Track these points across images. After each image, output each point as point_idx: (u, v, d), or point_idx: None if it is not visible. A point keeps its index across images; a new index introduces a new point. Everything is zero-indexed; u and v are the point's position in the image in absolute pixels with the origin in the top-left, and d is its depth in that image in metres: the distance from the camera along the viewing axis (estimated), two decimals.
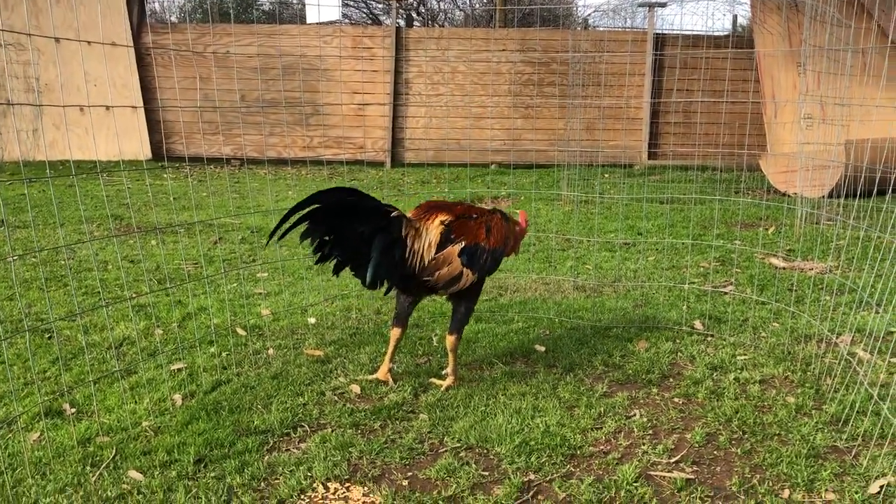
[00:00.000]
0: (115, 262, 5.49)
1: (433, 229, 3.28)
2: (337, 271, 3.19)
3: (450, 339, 3.39)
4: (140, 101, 10.91)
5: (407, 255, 3.20)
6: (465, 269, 3.25)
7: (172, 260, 5.65)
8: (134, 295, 4.68)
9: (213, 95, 11.00)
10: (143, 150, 11.01)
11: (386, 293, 3.31)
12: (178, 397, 3.27)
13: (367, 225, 3.12)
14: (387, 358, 3.48)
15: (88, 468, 2.68)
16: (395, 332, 3.45)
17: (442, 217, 3.32)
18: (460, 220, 3.34)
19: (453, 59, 11.58)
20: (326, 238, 3.10)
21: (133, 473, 2.64)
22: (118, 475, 2.63)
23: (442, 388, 3.38)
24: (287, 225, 3.02)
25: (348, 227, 3.10)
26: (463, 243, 3.27)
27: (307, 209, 3.03)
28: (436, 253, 3.24)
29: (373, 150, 11.76)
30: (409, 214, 3.35)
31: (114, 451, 2.79)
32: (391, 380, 3.45)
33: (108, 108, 10.01)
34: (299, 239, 3.07)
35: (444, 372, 3.51)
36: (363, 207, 3.13)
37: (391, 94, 11.58)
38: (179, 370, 3.55)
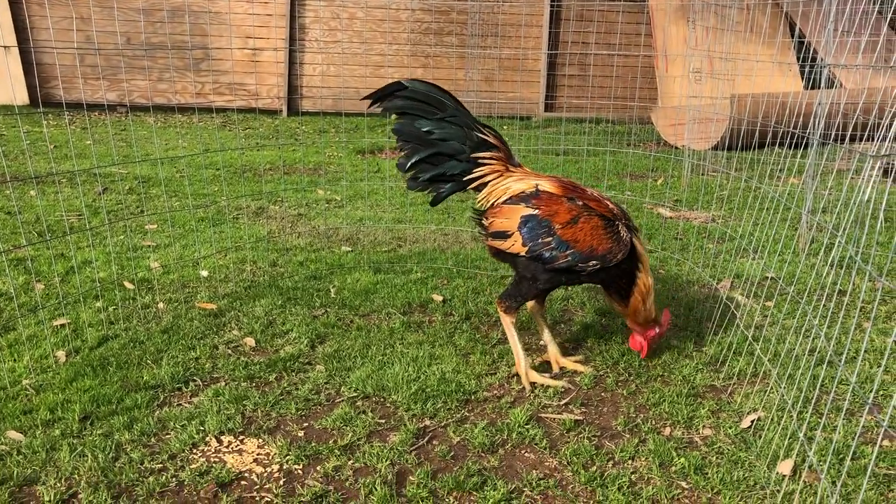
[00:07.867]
0: None
1: (517, 182, 3.05)
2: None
3: (498, 310, 3.13)
4: (13, 42, 10.16)
5: (467, 178, 3.13)
6: (516, 233, 2.95)
7: (54, 211, 5.36)
8: (11, 248, 4.42)
9: (95, 38, 10.36)
10: (17, 95, 10.29)
11: (432, 203, 3.21)
12: (61, 354, 3.13)
13: (441, 130, 3.11)
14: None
15: None
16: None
17: (544, 183, 3.01)
18: (558, 198, 2.95)
19: (351, 5, 11.30)
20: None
21: (12, 434, 2.53)
22: None
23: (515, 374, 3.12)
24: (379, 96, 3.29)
25: (424, 118, 3.15)
26: (534, 210, 2.93)
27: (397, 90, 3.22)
28: (504, 202, 3.03)
29: (267, 97, 11.41)
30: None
31: None
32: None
33: None
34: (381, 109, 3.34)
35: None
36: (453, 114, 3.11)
37: (286, 39, 11.23)
38: (63, 326, 3.40)
